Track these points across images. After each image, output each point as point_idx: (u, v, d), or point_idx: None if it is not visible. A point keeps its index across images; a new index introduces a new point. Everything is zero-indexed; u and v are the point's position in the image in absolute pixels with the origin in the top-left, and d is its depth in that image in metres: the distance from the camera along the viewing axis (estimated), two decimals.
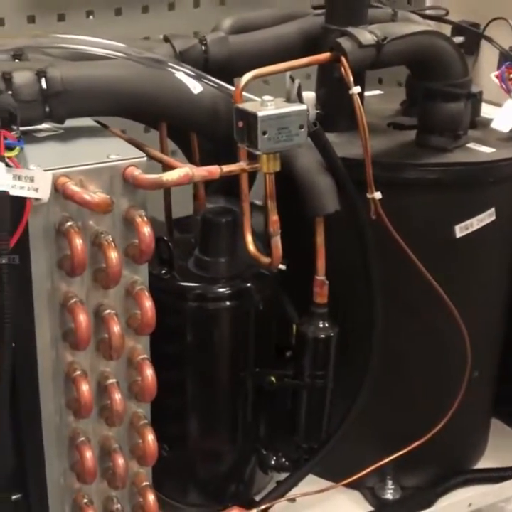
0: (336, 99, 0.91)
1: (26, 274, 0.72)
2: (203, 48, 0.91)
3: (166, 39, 0.91)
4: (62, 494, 0.82)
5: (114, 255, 0.73)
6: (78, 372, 0.77)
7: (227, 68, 0.92)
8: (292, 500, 1.00)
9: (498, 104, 0.99)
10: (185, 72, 0.81)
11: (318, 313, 0.89)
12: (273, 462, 0.97)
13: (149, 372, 0.80)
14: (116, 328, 0.76)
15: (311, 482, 0.99)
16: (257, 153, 0.73)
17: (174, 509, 0.97)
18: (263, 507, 0.92)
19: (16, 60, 0.83)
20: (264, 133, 0.72)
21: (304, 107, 0.73)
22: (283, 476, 0.98)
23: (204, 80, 0.83)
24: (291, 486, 0.95)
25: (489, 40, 0.94)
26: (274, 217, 0.79)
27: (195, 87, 0.80)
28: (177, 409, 0.92)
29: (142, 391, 0.80)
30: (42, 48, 0.86)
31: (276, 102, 0.73)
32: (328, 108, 0.89)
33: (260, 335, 0.92)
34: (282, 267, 0.90)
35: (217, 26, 0.98)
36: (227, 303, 0.88)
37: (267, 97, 0.73)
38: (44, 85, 0.76)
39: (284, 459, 0.97)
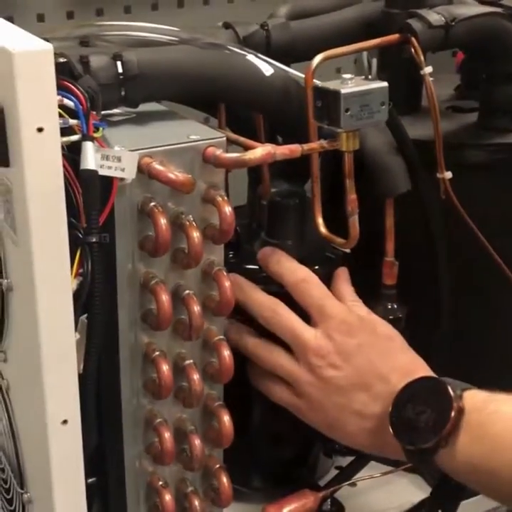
0: (394, 84, 0.92)
1: (112, 254, 0.73)
2: (265, 33, 0.92)
3: (227, 26, 0.92)
4: (137, 477, 0.82)
5: (196, 235, 0.74)
6: (157, 353, 0.78)
7: (288, 53, 0.92)
8: (353, 484, 1.00)
9: None
10: (255, 55, 0.82)
11: (388, 295, 0.89)
12: (337, 446, 0.97)
13: (226, 352, 0.80)
14: (196, 308, 0.76)
15: (372, 468, 0.98)
16: (339, 130, 0.74)
17: (238, 494, 0.97)
18: (332, 489, 0.92)
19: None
20: (346, 110, 0.72)
21: (385, 84, 0.74)
22: (343, 463, 0.99)
23: (272, 63, 0.83)
24: (356, 470, 0.95)
25: None
26: (353, 196, 0.79)
27: (267, 69, 0.81)
28: (241, 394, 0.91)
29: (219, 372, 0.80)
30: (104, 36, 0.87)
31: (356, 80, 0.74)
32: None
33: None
34: (346, 249, 0.91)
35: (274, 13, 0.99)
36: None
37: (347, 75, 0.74)
38: (120, 69, 0.77)
39: None
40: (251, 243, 0.92)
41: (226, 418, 0.82)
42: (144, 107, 0.81)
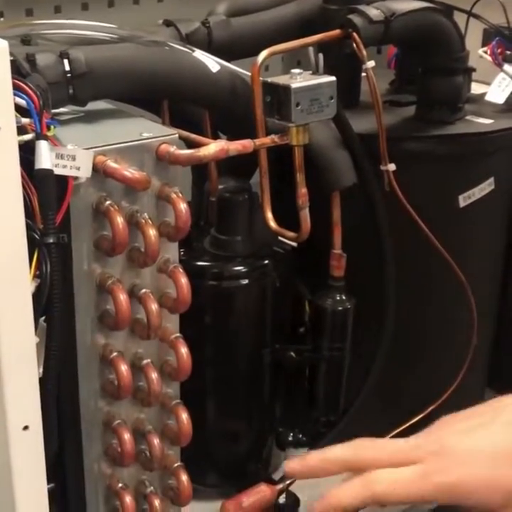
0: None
1: (68, 254, 0.72)
2: (207, 30, 0.92)
3: (169, 23, 0.92)
4: (96, 481, 0.81)
5: (152, 233, 0.73)
6: (115, 354, 0.77)
7: (229, 50, 0.93)
8: None
9: (483, 82, 1.03)
10: (201, 52, 0.82)
11: (336, 287, 0.91)
12: (290, 438, 0.99)
13: (184, 350, 0.79)
14: (154, 306, 0.76)
15: None
16: (290, 125, 0.75)
17: (194, 491, 0.96)
18: (288, 481, 0.93)
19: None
20: (297, 105, 0.73)
21: (333, 78, 0.75)
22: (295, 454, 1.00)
23: (217, 60, 0.84)
24: None
25: (477, 17, 0.98)
26: (303, 190, 0.80)
27: (214, 66, 0.81)
28: (195, 390, 0.89)
29: (177, 370, 0.80)
30: (45, 35, 0.86)
31: (304, 75, 0.75)
32: None
33: (277, 312, 0.93)
34: (293, 243, 0.93)
35: (212, 10, 0.99)
36: (245, 281, 0.89)
37: (295, 70, 0.75)
38: (67, 67, 0.75)
39: (301, 435, 0.99)
40: (200, 240, 0.92)
41: (184, 416, 0.82)
42: (92, 106, 0.80)
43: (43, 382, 0.70)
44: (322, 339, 0.92)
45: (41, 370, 0.70)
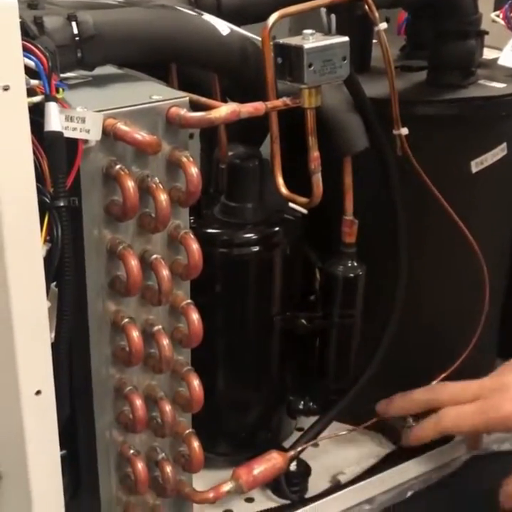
0: None
1: (79, 219, 0.71)
2: None
3: None
4: (108, 448, 0.81)
5: (163, 197, 0.72)
6: (126, 320, 0.76)
7: (238, 15, 0.91)
8: (316, 444, 1.01)
9: (495, 48, 1.02)
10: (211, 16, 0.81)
11: (347, 253, 0.90)
12: (301, 407, 0.98)
13: (195, 316, 0.79)
14: (165, 272, 0.75)
15: (334, 429, 0.99)
16: (303, 87, 0.74)
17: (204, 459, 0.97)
18: (299, 449, 0.93)
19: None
20: (309, 65, 0.72)
21: (346, 38, 0.74)
22: (305, 424, 0.99)
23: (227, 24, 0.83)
24: (321, 429, 0.96)
25: None
26: (316, 154, 0.79)
27: (224, 29, 0.80)
28: (205, 359, 0.88)
29: (188, 337, 0.79)
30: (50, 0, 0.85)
31: (316, 35, 0.74)
32: None
33: (288, 279, 0.92)
34: (304, 210, 0.92)
35: None
36: (255, 248, 0.88)
37: (307, 31, 0.74)
38: (75, 30, 0.74)
39: (311, 403, 0.98)
40: (210, 208, 0.91)
41: (196, 383, 0.81)
42: (100, 71, 0.79)
43: (54, 347, 0.70)
44: (333, 306, 0.91)
45: (53, 335, 0.70)
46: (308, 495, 0.95)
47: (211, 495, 0.86)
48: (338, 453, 1.02)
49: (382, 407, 0.96)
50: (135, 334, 0.76)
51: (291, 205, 0.92)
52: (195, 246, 0.76)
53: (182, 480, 0.86)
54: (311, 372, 0.97)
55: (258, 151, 0.92)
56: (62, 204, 0.66)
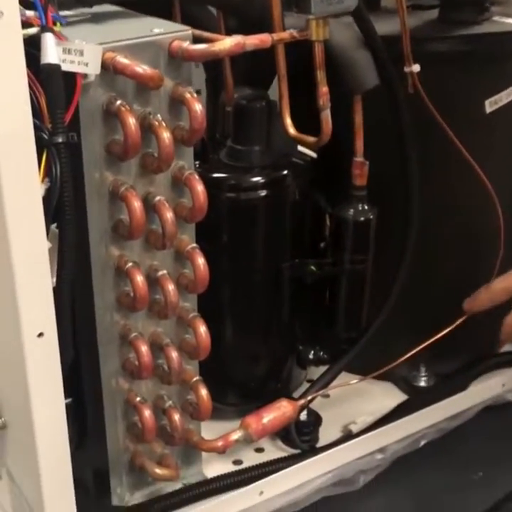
0: None
1: (79, 159, 0.69)
2: None
3: None
4: (114, 395, 0.80)
5: (166, 135, 0.70)
6: (130, 264, 0.74)
7: None
8: (326, 395, 1.00)
9: None
10: None
11: (358, 197, 0.87)
12: (311, 356, 0.97)
13: (201, 261, 0.77)
14: (169, 214, 0.73)
15: (344, 379, 0.96)
16: (310, 17, 0.71)
17: (213, 410, 0.94)
18: (310, 397, 0.91)
19: None
20: None
21: None
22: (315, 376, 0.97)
23: None
24: (332, 378, 0.93)
25: None
26: (324, 89, 0.76)
27: None
28: (213, 308, 0.88)
29: (194, 282, 0.77)
30: None
31: None
32: None
33: (297, 225, 0.90)
34: (313, 154, 0.89)
35: None
36: (263, 192, 0.86)
37: None
38: None
39: (322, 353, 0.97)
40: (217, 152, 0.89)
41: (202, 329, 0.80)
42: (98, 9, 0.76)
43: (56, 291, 0.68)
44: (343, 252, 0.89)
45: (54, 278, 0.68)
46: (319, 445, 0.94)
47: (220, 443, 0.85)
48: (349, 403, 1.00)
49: (468, 305, 0.97)
50: (139, 279, 0.74)
51: (299, 148, 0.90)
52: (200, 187, 0.74)
53: (190, 428, 0.85)
54: (321, 321, 0.95)
55: (265, 92, 0.89)
56: (60, 140, 0.64)
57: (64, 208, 0.65)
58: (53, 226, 0.67)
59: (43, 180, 0.64)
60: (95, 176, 0.71)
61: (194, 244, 0.78)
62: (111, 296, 0.76)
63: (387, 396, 1.02)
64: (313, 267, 0.90)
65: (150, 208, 0.73)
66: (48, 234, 0.65)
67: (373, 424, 0.96)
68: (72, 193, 0.65)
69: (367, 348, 0.94)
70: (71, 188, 0.65)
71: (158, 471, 0.83)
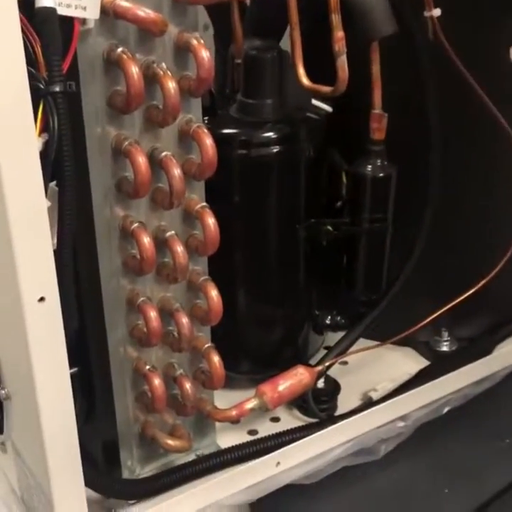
0: None
1: (79, 111, 0.65)
2: None
3: None
4: (122, 364, 0.76)
5: (171, 85, 0.65)
6: (136, 225, 0.70)
7: None
8: (344, 362, 0.96)
9: None
10: None
11: (376, 152, 0.83)
12: (328, 322, 0.93)
13: (211, 220, 0.73)
14: (176, 171, 0.69)
15: (363, 344, 0.93)
16: None
17: (226, 379, 0.90)
18: (327, 364, 0.87)
19: None
20: None
21: None
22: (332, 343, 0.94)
23: None
24: (350, 343, 0.90)
25: None
26: (340, 34, 0.72)
27: None
28: (225, 272, 0.82)
29: (204, 243, 0.73)
30: None
31: None
32: None
33: (312, 184, 0.86)
34: (328, 108, 0.85)
35: None
36: (276, 148, 0.82)
37: None
38: None
39: (339, 318, 0.93)
40: (226, 108, 0.84)
41: (214, 293, 0.76)
42: None
43: (57, 253, 0.64)
44: (362, 210, 0.85)
45: (55, 240, 0.64)
46: (338, 413, 0.91)
47: (234, 413, 0.82)
48: (368, 370, 0.97)
49: None
50: (146, 240, 0.70)
51: (314, 102, 0.86)
52: (209, 141, 0.70)
53: (203, 398, 0.82)
54: (339, 284, 0.92)
55: (277, 43, 0.84)
56: (58, 89, 0.59)
57: (63, 163, 0.61)
58: (53, 184, 0.63)
59: (40, 134, 0.60)
60: (97, 131, 0.67)
61: (204, 204, 0.73)
62: (116, 260, 0.72)
63: (408, 362, 0.98)
64: (329, 227, 0.86)
65: (156, 164, 0.69)
66: (46, 191, 0.61)
67: (394, 390, 0.92)
68: (72, 147, 0.61)
69: (386, 312, 0.90)
70: (70, 141, 0.61)
71: (170, 442, 0.80)
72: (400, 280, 0.89)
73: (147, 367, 0.76)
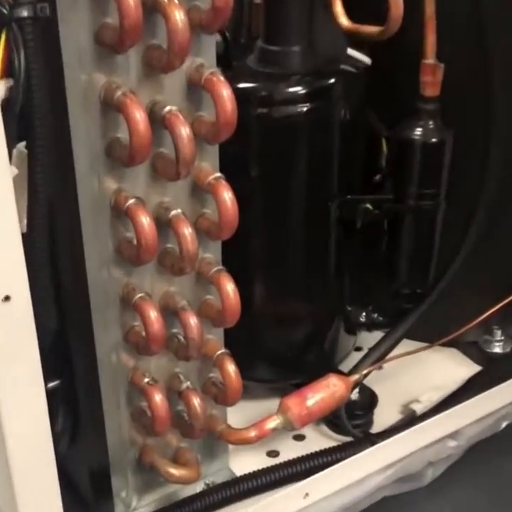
0: None
1: (54, 45, 0.50)
2: None
3: None
4: (114, 375, 0.65)
5: (179, 16, 0.51)
6: (132, 201, 0.56)
7: None
8: (380, 367, 0.82)
9: None
10: None
11: (428, 111, 0.70)
12: (362, 319, 0.81)
13: (228, 195, 0.58)
14: (183, 130, 0.54)
15: (405, 347, 0.79)
16: None
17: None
18: (365, 372, 0.73)
19: None
20: None
21: None
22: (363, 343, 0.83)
23: None
24: (390, 346, 0.77)
25: None
26: None
27: None
28: (242, 260, 0.72)
29: (218, 224, 0.59)
30: None
31: None
32: None
33: (346, 152, 0.72)
34: (367, 59, 0.70)
35: None
36: (304, 106, 0.68)
37: None
38: None
39: (376, 314, 0.80)
40: (243, 58, 0.70)
41: (229, 287, 0.62)
42: None
43: (27, 238, 0.51)
44: (408, 184, 0.73)
45: (25, 221, 0.50)
46: (374, 430, 0.79)
47: (253, 433, 0.69)
48: (408, 376, 0.84)
49: None
50: (145, 220, 0.56)
51: (350, 52, 0.71)
52: (226, 92, 0.56)
53: (214, 415, 0.70)
54: (378, 274, 0.80)
55: None
56: (25, 14, 0.45)
57: (34, 116, 0.47)
58: (21, 145, 0.48)
59: (1, 76, 0.45)
60: (80, 77, 0.53)
61: (218, 174, 0.59)
62: (107, 245, 0.59)
63: (454, 366, 0.87)
64: (368, 205, 0.73)
65: (157, 122, 0.55)
66: (10, 155, 0.46)
67: (441, 402, 0.80)
68: (46, 96, 0.46)
69: (436, 307, 0.78)
70: (44, 86, 0.46)
71: (173, 471, 0.68)
72: (452, 269, 0.76)
73: (146, 379, 0.65)
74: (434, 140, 0.71)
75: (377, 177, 0.77)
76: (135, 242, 0.57)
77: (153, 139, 0.55)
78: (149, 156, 0.55)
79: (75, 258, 0.58)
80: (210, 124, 0.58)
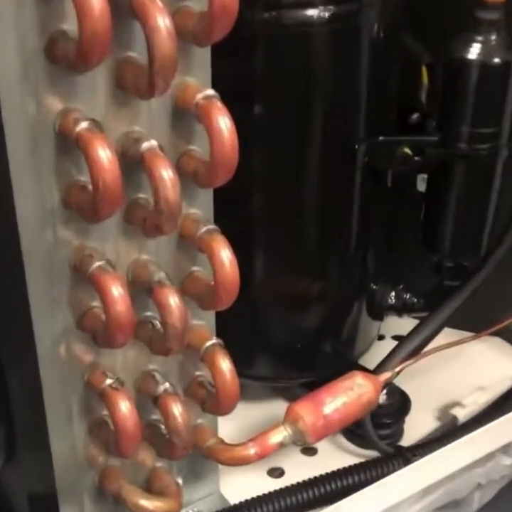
0: None
1: None
2: None
3: None
4: (63, 374, 0.51)
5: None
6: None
7: None
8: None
9: None
10: None
11: (492, 22, 0.55)
12: (391, 301, 0.68)
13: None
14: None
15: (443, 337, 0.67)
16: None
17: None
18: (397, 369, 0.58)
19: None
20: None
21: None
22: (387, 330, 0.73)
23: None
24: (431, 335, 0.63)
25: None
26: None
27: None
28: (242, 220, 0.60)
29: (211, 162, 0.46)
30: None
31: None
32: None
33: (379, 79, 0.59)
34: None
35: None
36: (323, 13, 0.54)
37: None
38: None
39: (408, 295, 0.68)
40: None
41: (224, 253, 0.48)
42: None
43: None
44: (459, 121, 0.59)
45: None
46: (406, 442, 0.67)
47: (252, 450, 0.54)
48: (445, 372, 0.74)
49: None
50: (103, 153, 0.42)
51: None
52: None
53: (200, 426, 0.57)
54: (413, 242, 0.68)
55: None
56: None
57: None
58: None
59: None
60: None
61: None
62: (52, 191, 0.45)
63: (502, 359, 0.75)
64: (407, 150, 0.60)
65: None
66: None
67: (490, 407, 0.69)
68: None
69: (484, 286, 0.66)
70: None
71: (143, 503, 0.55)
72: (503, 244, 0.63)
73: (108, 381, 0.52)
74: (496, 60, 0.58)
75: (415, 116, 0.64)
76: (92, 185, 0.42)
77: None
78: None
79: (7, 210, 0.43)
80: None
